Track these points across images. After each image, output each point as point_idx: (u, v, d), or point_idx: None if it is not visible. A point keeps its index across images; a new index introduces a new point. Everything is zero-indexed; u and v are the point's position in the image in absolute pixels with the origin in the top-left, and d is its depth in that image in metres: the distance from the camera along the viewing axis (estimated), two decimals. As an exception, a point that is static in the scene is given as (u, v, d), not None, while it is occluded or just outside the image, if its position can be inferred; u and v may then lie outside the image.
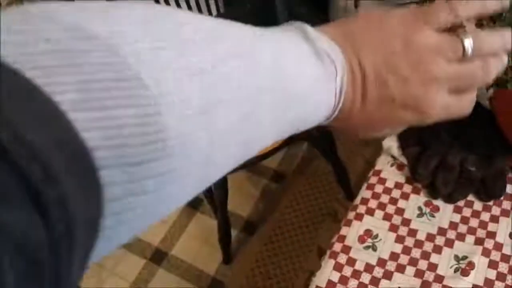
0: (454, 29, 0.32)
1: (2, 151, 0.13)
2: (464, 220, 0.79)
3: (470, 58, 0.32)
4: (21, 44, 0.17)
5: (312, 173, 1.76)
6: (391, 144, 0.89)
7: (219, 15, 1.43)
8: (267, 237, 1.62)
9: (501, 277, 0.72)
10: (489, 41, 0.33)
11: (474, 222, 0.79)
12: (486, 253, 0.74)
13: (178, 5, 1.35)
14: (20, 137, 0.14)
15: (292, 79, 0.29)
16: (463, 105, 0.34)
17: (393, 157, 0.89)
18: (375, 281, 0.76)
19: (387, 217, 0.83)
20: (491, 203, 0.80)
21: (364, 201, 0.86)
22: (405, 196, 0.85)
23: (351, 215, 0.86)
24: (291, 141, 1.33)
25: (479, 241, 0.76)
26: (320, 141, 1.45)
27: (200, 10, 1.39)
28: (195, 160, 0.22)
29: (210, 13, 1.41)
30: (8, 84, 0.15)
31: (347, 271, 0.78)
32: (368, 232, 0.82)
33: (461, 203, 0.81)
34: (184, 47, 0.22)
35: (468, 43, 0.32)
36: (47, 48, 0.17)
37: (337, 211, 1.64)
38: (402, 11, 0.33)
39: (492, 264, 0.73)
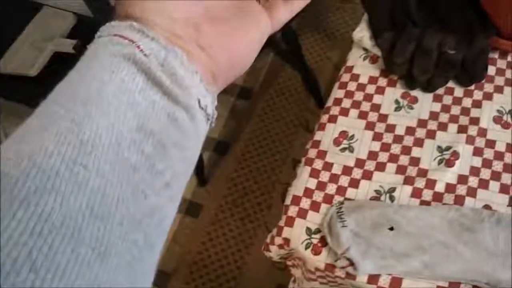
0: None
1: None
2: (445, 109, 0.73)
3: None
4: None
5: (280, 84, 1.68)
6: (362, 34, 0.80)
7: None
8: (240, 155, 1.57)
9: (487, 164, 0.67)
10: None
11: (455, 110, 0.73)
12: (470, 140, 0.69)
13: None
14: None
15: None
16: None
17: (365, 49, 0.81)
18: (354, 183, 0.71)
19: (363, 115, 0.76)
20: (472, 87, 0.74)
21: (337, 102, 0.79)
22: (380, 91, 0.78)
23: (324, 118, 0.79)
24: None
25: (462, 129, 0.71)
26: (286, 49, 1.35)
27: None
28: None
29: None
30: None
31: (324, 176, 0.73)
32: (343, 134, 0.76)
33: (440, 91, 0.75)
34: None
35: None
36: None
37: (309, 120, 1.58)
38: None
39: (477, 152, 0.68)
